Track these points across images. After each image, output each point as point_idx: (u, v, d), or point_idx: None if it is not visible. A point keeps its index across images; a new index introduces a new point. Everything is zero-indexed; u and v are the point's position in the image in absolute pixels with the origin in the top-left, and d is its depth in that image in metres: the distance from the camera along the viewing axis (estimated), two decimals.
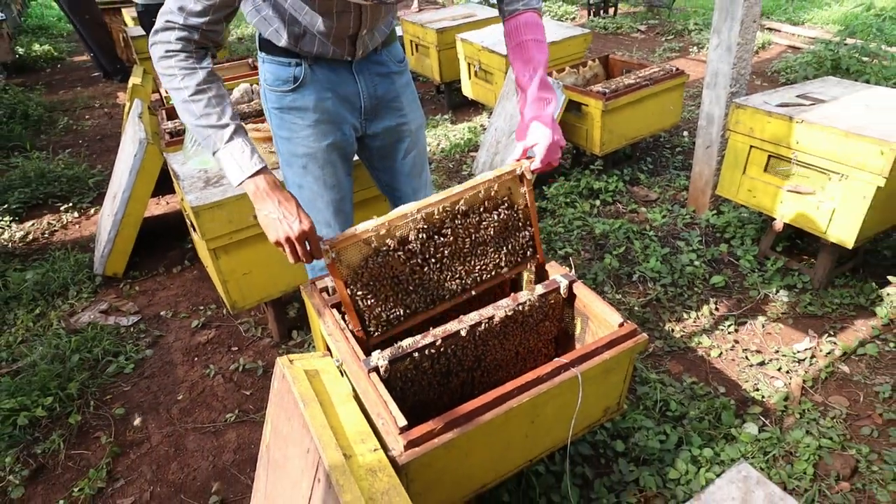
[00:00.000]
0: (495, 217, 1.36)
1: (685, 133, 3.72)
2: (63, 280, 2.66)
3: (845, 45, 4.67)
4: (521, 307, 1.36)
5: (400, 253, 1.27)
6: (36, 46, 7.06)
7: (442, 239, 1.31)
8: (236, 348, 2.25)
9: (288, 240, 1.16)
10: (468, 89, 4.09)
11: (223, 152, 1.16)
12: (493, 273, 1.42)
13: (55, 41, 7.69)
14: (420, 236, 1.28)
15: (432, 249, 1.31)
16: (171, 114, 2.86)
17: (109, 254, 2.62)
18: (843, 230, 2.07)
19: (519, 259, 1.45)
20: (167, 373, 2.16)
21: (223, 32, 1.19)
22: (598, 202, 3.00)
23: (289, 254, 1.19)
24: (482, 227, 1.36)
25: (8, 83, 5.15)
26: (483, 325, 1.32)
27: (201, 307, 2.49)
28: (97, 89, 5.73)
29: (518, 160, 1.33)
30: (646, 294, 2.33)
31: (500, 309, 1.33)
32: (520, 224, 1.42)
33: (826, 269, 2.27)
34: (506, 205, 1.37)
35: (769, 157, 2.26)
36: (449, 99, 4.52)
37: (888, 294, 2.23)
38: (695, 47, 5.61)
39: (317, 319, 1.38)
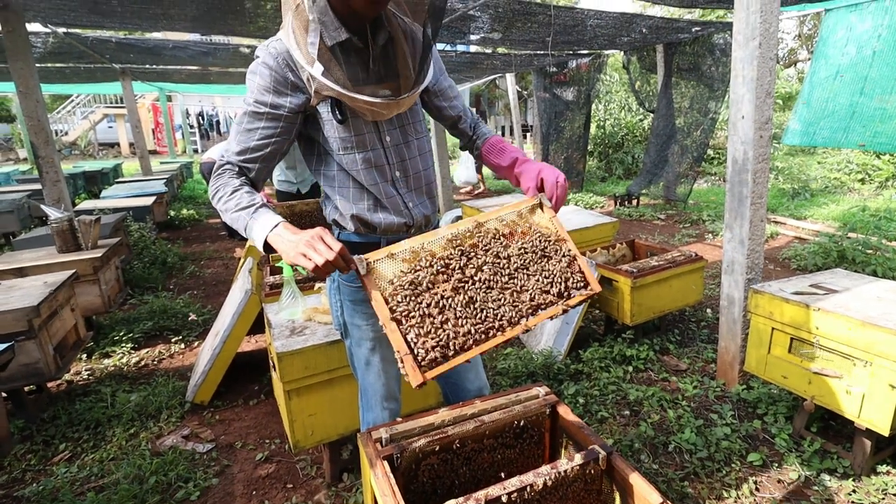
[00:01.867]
0: (529, 243, 1.27)
1: (708, 309, 3.60)
2: (159, 404, 2.67)
3: (848, 238, 4.60)
4: (561, 475, 1.23)
5: (438, 271, 1.16)
6: (184, 211, 8.01)
7: (478, 261, 1.20)
8: (291, 485, 2.10)
9: (307, 244, 1.05)
10: None
11: (252, 221, 1.15)
12: (543, 300, 1.24)
13: (199, 207, 8.71)
14: (455, 254, 1.19)
15: (470, 270, 1.19)
16: (274, 270, 3.07)
17: (201, 383, 2.65)
18: (877, 416, 1.83)
19: (569, 288, 1.27)
20: None
21: (258, 177, 1.27)
22: (630, 368, 2.84)
23: (314, 255, 1.04)
24: (517, 250, 1.25)
25: (157, 237, 5.76)
26: (524, 491, 1.19)
27: (267, 440, 2.40)
28: (221, 245, 6.30)
29: (532, 195, 1.31)
30: (683, 466, 2.07)
31: (540, 476, 1.21)
32: (557, 249, 1.29)
33: (865, 454, 1.97)
34: (535, 234, 1.29)
35: (791, 339, 2.12)
36: None
37: None
38: (710, 234, 5.67)
39: (368, 470, 1.29)
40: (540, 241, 1.29)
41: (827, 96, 5.06)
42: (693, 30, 6.16)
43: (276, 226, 1.12)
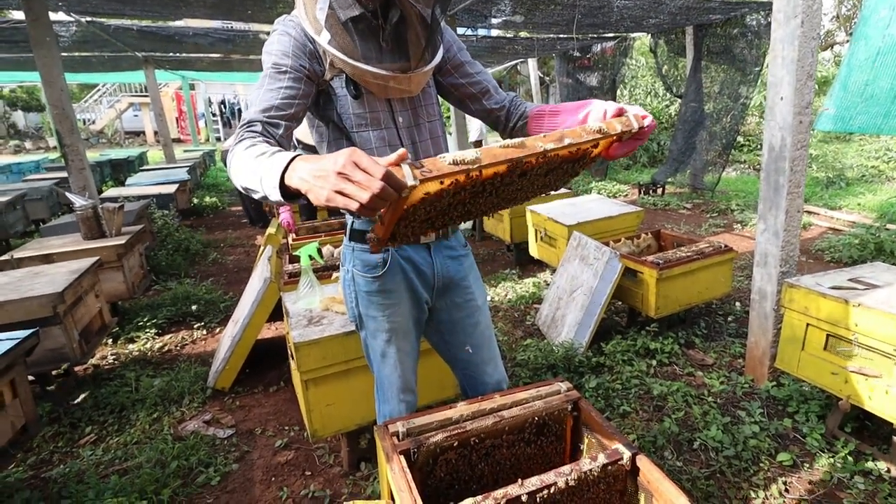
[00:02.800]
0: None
1: (737, 303, 3.48)
2: (181, 389, 2.72)
3: (886, 229, 4.39)
4: (584, 475, 1.19)
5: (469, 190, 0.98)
6: (207, 198, 8.12)
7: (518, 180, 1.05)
8: (309, 473, 2.11)
9: (342, 176, 0.76)
10: (534, 250, 4.15)
11: (269, 161, 0.89)
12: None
13: (221, 195, 8.83)
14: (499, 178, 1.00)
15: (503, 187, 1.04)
16: (293, 258, 3.07)
17: (222, 370, 2.68)
18: None
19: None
20: (246, 490, 2.05)
21: (285, 137, 1.12)
22: (654, 362, 2.76)
23: (356, 191, 0.75)
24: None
25: (181, 225, 5.85)
26: (545, 491, 1.15)
27: (286, 427, 2.42)
28: (243, 232, 6.38)
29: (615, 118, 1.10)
30: (708, 465, 2.01)
31: (561, 476, 1.17)
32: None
33: None
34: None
35: (827, 335, 2.02)
36: (517, 257, 4.59)
37: None
38: (738, 224, 5.49)
39: (385, 464, 1.27)
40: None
41: (866, 79, 4.80)
42: (726, 10, 5.91)
43: (292, 160, 0.86)
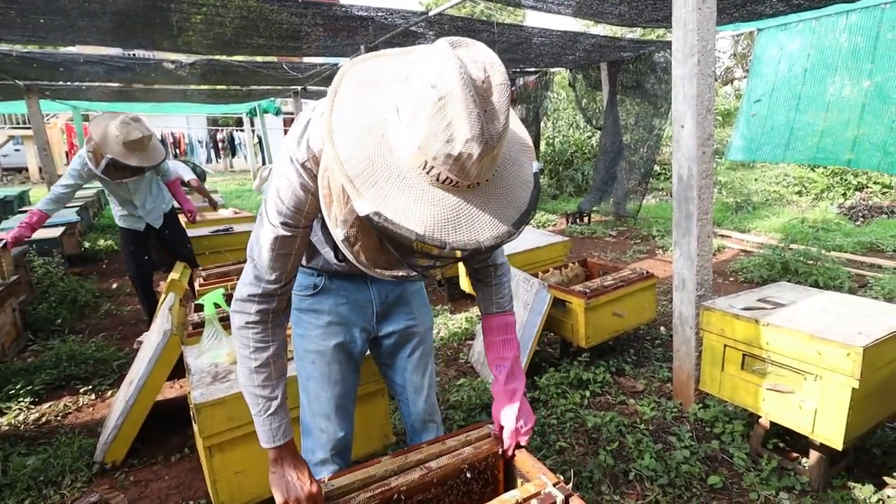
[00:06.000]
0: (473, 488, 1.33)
1: (661, 327, 3.69)
2: (62, 467, 2.40)
3: (790, 249, 4.90)
4: None
5: None
6: (100, 242, 7.50)
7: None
8: None
9: (297, 499, 1.12)
10: (466, 284, 4.19)
11: (262, 418, 1.16)
12: None
13: (118, 237, 8.17)
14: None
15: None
16: (199, 307, 2.87)
17: (112, 441, 2.41)
18: (830, 430, 1.90)
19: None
20: None
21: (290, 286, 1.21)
22: (587, 393, 2.84)
23: None
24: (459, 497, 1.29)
25: (67, 272, 5.33)
26: None
27: (191, 501, 2.20)
28: None
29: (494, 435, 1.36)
30: (644, 495, 2.06)
31: None
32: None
33: (821, 469, 2.03)
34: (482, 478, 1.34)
35: (744, 355, 2.18)
36: (449, 292, 4.61)
37: (888, 497, 1.97)
38: (660, 250, 5.89)
39: None
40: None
41: (765, 113, 5.44)
42: (635, 48, 6.51)
43: (279, 447, 1.16)
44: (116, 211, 3.72)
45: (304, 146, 1.03)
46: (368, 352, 1.60)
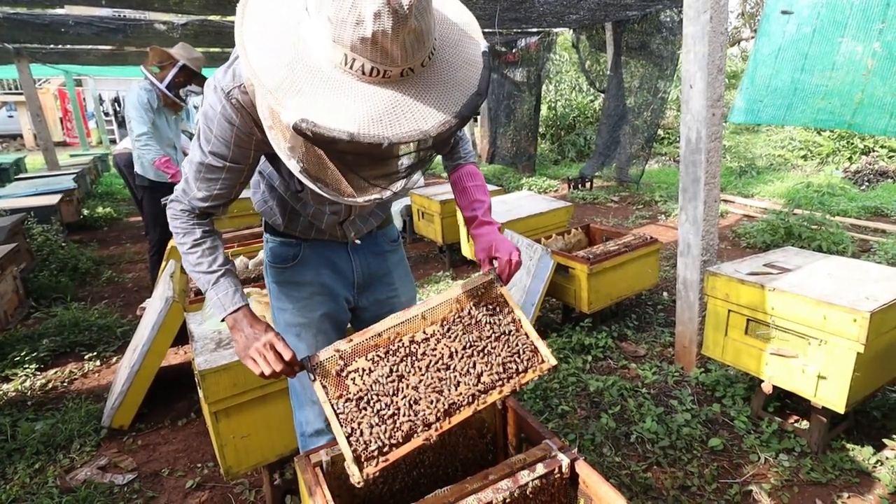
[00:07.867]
0: (479, 322, 1.24)
1: (664, 293, 3.68)
2: (70, 432, 2.43)
3: (794, 214, 4.85)
4: (522, 489, 1.17)
5: (382, 365, 1.15)
6: (99, 209, 7.43)
7: (424, 348, 1.19)
8: None
9: (258, 350, 1.09)
10: (467, 250, 4.16)
11: (211, 292, 1.17)
12: (496, 379, 1.19)
13: (117, 204, 8.12)
14: (404, 344, 1.18)
15: (420, 361, 1.17)
16: None
17: (119, 406, 2.42)
18: (832, 394, 1.90)
19: (523, 366, 1.23)
20: None
21: (224, 211, 1.23)
22: (589, 357, 2.85)
23: (262, 364, 1.09)
24: (466, 335, 1.22)
25: (67, 240, 5.29)
26: None
27: (199, 464, 2.23)
28: (143, 246, 5.87)
29: (485, 271, 1.28)
30: (645, 457, 2.08)
31: (499, 492, 1.14)
32: (509, 328, 1.25)
33: (821, 432, 2.05)
34: (486, 309, 1.25)
35: (748, 320, 2.17)
36: (450, 258, 4.58)
37: (887, 458, 1.99)
38: (662, 215, 5.84)
39: (307, 498, 1.18)
40: (490, 324, 1.24)
41: (770, 74, 5.29)
42: (641, 6, 6.27)
43: (235, 310, 1.15)
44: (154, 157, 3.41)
45: (231, 74, 0.99)
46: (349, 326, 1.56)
